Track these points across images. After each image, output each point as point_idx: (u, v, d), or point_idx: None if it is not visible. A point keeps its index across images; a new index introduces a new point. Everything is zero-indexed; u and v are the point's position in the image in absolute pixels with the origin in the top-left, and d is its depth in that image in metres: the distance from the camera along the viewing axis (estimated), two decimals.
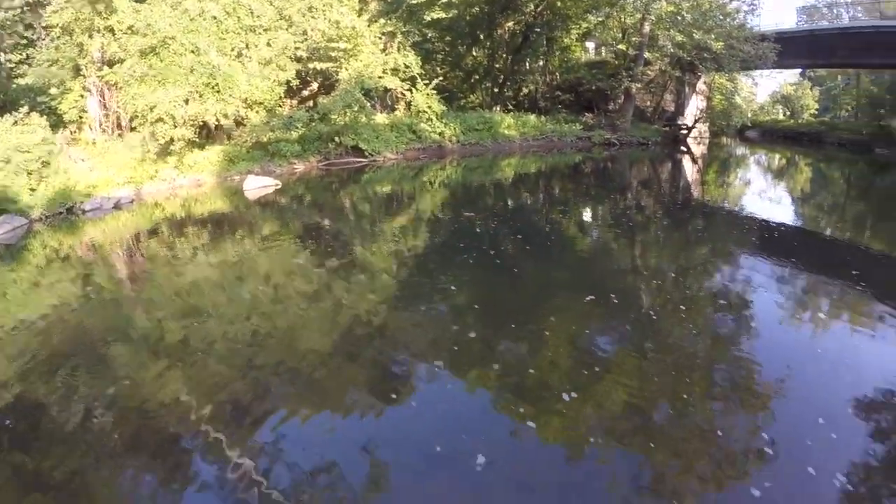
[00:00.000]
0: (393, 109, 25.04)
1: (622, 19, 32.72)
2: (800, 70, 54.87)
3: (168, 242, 10.23)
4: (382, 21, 23.80)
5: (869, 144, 34.78)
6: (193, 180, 15.75)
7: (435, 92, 24.80)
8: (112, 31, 15.77)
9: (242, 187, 15.26)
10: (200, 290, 7.64)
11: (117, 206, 12.82)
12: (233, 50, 18.14)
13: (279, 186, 15.81)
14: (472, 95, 33.27)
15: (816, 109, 63.93)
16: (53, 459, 4.09)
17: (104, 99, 15.99)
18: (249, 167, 17.21)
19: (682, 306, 7.28)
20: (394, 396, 4.99)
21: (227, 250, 9.71)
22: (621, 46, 33.12)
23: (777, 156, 34.82)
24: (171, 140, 14.89)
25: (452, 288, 7.85)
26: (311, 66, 21.26)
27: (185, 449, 4.21)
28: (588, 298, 7.34)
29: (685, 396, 4.93)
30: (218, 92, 16.49)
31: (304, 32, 20.48)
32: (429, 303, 7.25)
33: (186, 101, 15.56)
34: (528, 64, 33.53)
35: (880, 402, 4.96)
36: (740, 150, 36.98)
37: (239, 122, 17.78)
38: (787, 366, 5.61)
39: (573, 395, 4.91)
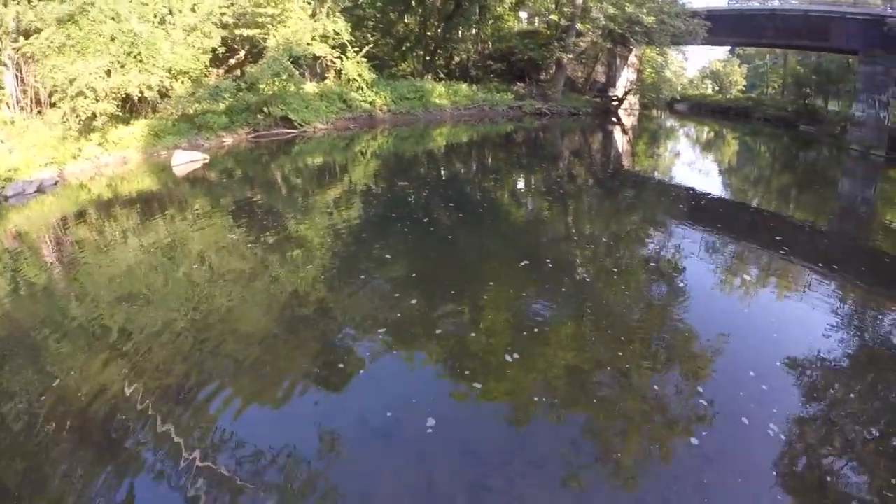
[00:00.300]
0: (323, 78, 24.84)
1: None
2: (729, 48, 56.86)
3: (97, 226, 10.15)
4: None
5: (794, 121, 36.86)
6: (119, 157, 15.37)
7: (366, 60, 24.68)
8: None
9: (170, 163, 15.07)
10: (134, 274, 7.72)
11: (40, 190, 12.42)
12: (155, 16, 17.49)
13: (207, 161, 15.69)
14: (403, 63, 33.17)
15: (744, 86, 66.79)
16: None
17: (21, 73, 15.21)
18: (176, 141, 16.92)
19: (615, 271, 7.99)
20: (340, 367, 5.33)
21: (159, 231, 9.75)
22: (553, 17, 33.60)
23: (705, 129, 36.43)
24: (94, 115, 14.38)
25: (388, 258, 8.26)
26: (237, 32, 20.75)
27: (133, 439, 4.32)
28: (523, 264, 7.95)
29: (621, 356, 5.53)
30: (141, 62, 16.00)
31: None
32: (367, 274, 7.59)
33: (108, 73, 15.01)
34: (460, 32, 33.56)
35: (805, 357, 5.74)
36: (670, 123, 38.48)
37: (164, 94, 17.25)
38: (718, 327, 6.31)
39: (515, 356, 5.43)
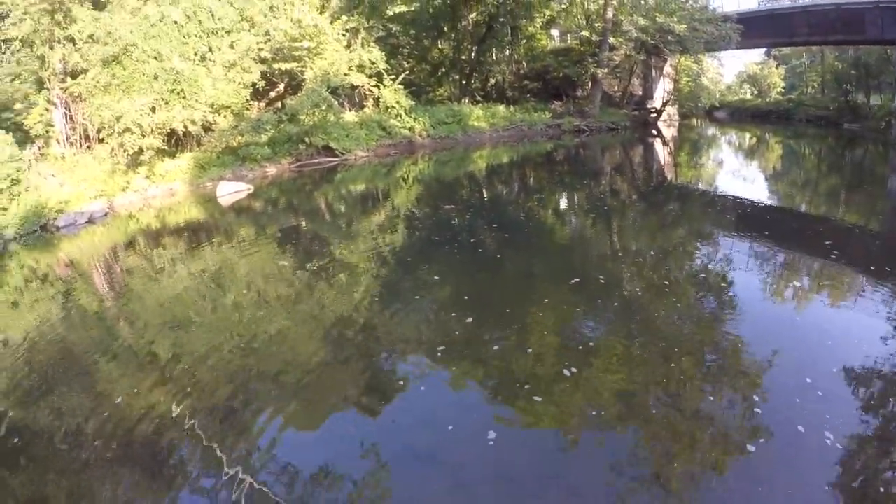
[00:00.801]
0: (361, 107, 25.00)
1: (585, 6, 33.14)
2: (764, 49, 55.90)
3: (146, 254, 10.22)
4: (345, 17, 23.69)
5: (837, 119, 35.72)
6: (166, 189, 15.66)
7: (402, 87, 24.74)
8: (73, 41, 15.51)
9: (215, 194, 15.23)
10: (183, 301, 7.69)
11: (91, 221, 12.73)
12: (196, 54, 17.90)
13: (251, 191, 15.80)
14: (440, 88, 33.27)
15: (783, 87, 64.96)
16: (49, 480, 4.15)
17: (70, 111, 15.72)
18: (221, 173, 17.14)
19: (664, 286, 7.54)
20: (387, 389, 5.14)
21: (206, 259, 9.75)
22: (585, 33, 33.44)
23: (747, 134, 35.51)
24: (140, 150, 14.77)
25: (436, 279, 8.03)
26: (275, 66, 21.05)
27: (181, 462, 4.28)
28: (573, 282, 7.60)
29: (675, 369, 5.16)
30: (184, 98, 16.36)
31: (267, 33, 20.25)
32: (415, 296, 7.36)
33: (153, 109, 15.42)
34: (494, 54, 33.51)
35: (861, 364, 5.22)
36: (710, 131, 37.65)
37: (207, 128, 17.61)
38: (770, 337, 5.88)
39: (573, 370, 5.15)
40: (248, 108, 20.08)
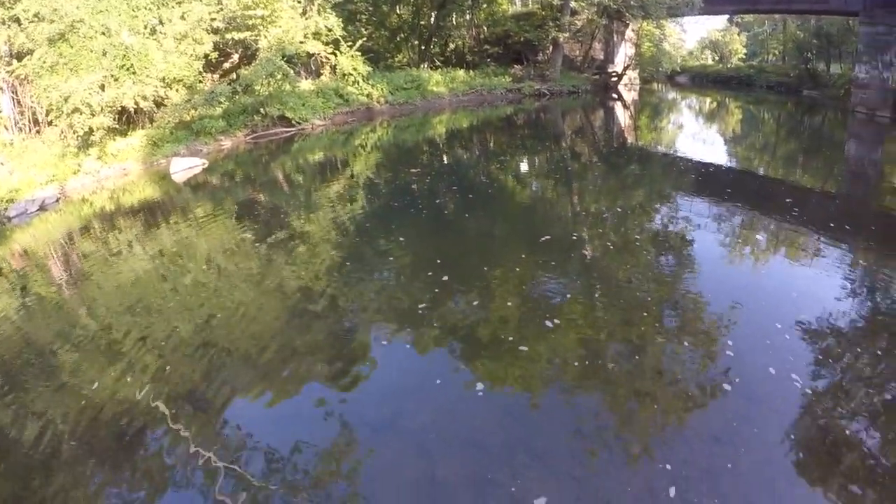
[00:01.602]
0: (318, 75, 24.62)
1: None
2: (727, 16, 56.22)
3: (101, 238, 10.14)
4: None
5: (797, 87, 36.40)
6: (119, 169, 15.34)
7: (360, 53, 24.43)
8: (18, 21, 14.97)
9: (169, 171, 15.03)
10: (143, 284, 7.69)
11: (42, 208, 12.41)
12: (146, 27, 17.41)
13: (206, 165, 15.65)
14: (398, 54, 32.87)
15: (745, 54, 65.78)
16: (16, 474, 4.19)
17: (17, 95, 15.23)
18: (175, 149, 16.83)
19: (626, 245, 7.94)
20: (355, 361, 5.33)
21: (164, 238, 9.73)
22: None
23: (708, 99, 36.01)
24: (91, 130, 14.35)
25: (401, 244, 8.25)
26: (228, 36, 20.44)
27: (149, 443, 4.35)
28: (544, 239, 7.97)
29: (639, 327, 5.54)
30: (134, 73, 15.96)
31: (219, 1, 19.69)
32: (380, 264, 7.58)
33: (102, 87, 15.00)
34: (454, 19, 33.15)
35: (824, 318, 5.70)
36: (671, 95, 38.08)
37: (159, 103, 17.25)
38: (734, 291, 6.33)
39: (555, 321, 5.57)
40: (201, 81, 19.61)
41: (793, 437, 4.06)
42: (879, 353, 5.12)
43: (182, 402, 4.80)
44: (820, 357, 5.02)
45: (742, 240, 8.52)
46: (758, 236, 8.59)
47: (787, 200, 9.81)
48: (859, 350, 5.18)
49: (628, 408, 4.43)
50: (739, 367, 4.83)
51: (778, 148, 18.20)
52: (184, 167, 15.19)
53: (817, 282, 6.62)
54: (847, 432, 4.10)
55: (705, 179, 12.30)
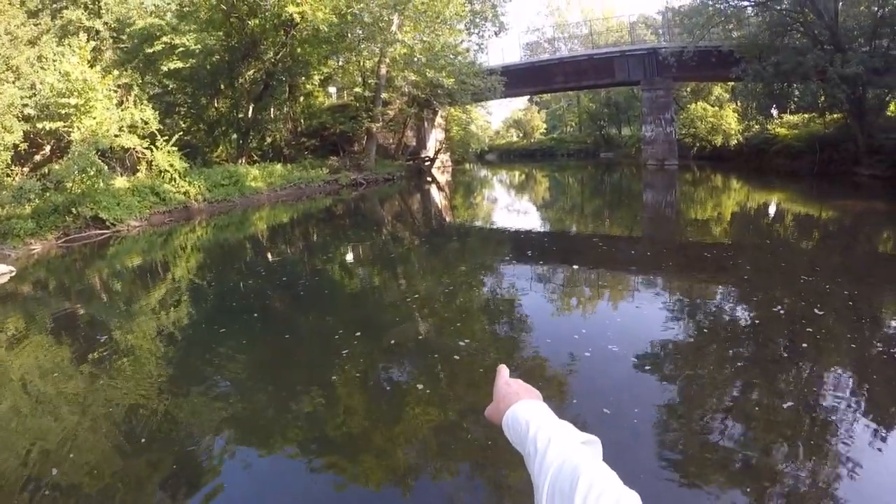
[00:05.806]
0: (134, 171, 24.33)
1: (361, 63, 35.52)
2: (527, 97, 64.00)
3: None
4: (117, 72, 23.04)
5: (594, 151, 43.01)
6: None
7: (176, 148, 24.43)
8: None
9: None
10: None
11: None
12: None
13: (14, 273, 15.05)
14: (217, 149, 33.28)
15: (545, 129, 74.92)
16: None
17: None
18: None
19: (461, 317, 8.80)
20: (200, 482, 5.08)
21: None
22: (358, 89, 35.89)
23: (516, 173, 40.16)
24: None
25: (231, 355, 8.07)
26: (40, 125, 19.80)
27: None
28: (357, 334, 8.34)
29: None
30: None
31: (33, 86, 19.15)
32: (212, 375, 7.47)
33: None
34: (271, 112, 34.42)
35: (657, 347, 6.97)
36: (482, 173, 41.78)
37: None
38: (569, 342, 7.24)
39: (407, 409, 5.88)
40: (9, 175, 18.82)
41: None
42: (712, 367, 6.33)
43: None
44: (658, 384, 5.93)
45: (566, 293, 9.77)
46: (580, 287, 10.02)
47: (601, 249, 11.70)
48: (696, 368, 6.35)
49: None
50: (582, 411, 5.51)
51: (585, 206, 20.79)
52: None
53: (641, 316, 8.04)
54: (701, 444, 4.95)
55: (523, 245, 13.77)
